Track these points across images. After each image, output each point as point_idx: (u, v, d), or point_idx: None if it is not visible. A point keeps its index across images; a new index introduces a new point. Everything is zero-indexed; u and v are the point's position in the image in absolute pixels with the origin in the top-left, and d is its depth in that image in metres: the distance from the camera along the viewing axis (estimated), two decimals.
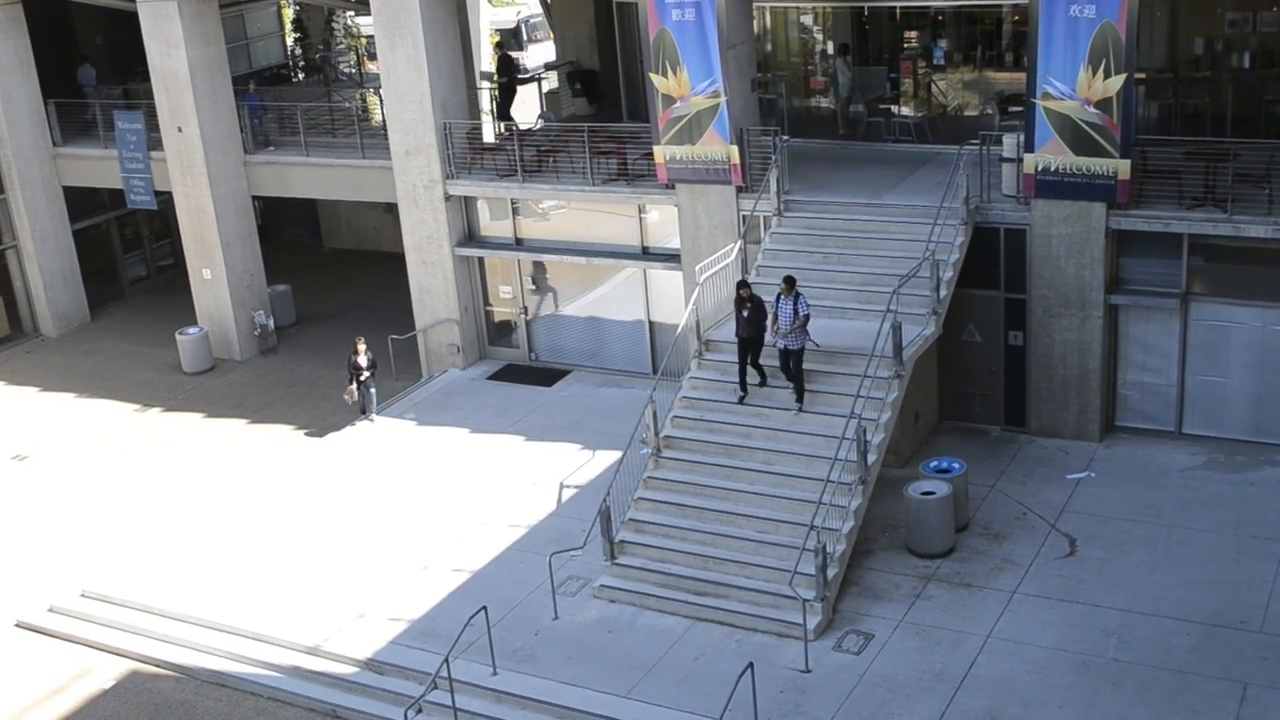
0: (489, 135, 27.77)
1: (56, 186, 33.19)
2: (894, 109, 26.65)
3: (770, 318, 20.02)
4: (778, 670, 17.37)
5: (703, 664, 17.74)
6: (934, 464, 20.34)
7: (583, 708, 17.17)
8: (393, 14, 26.34)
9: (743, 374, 20.46)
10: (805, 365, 19.89)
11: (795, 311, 19.68)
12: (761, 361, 20.44)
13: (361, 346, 25.88)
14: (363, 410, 26.10)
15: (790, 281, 19.89)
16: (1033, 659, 17.21)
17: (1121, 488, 21.01)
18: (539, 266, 27.76)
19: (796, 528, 18.49)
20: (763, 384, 20.52)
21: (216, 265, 30.66)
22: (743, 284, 20.36)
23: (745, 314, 20.09)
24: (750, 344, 20.28)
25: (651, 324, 26.61)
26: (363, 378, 25.79)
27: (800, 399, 20.09)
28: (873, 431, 19.26)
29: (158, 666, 19.69)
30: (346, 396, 25.97)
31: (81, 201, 34.14)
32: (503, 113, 30.29)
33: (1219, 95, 23.99)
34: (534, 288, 27.82)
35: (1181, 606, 17.94)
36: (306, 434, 26.57)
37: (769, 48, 28.07)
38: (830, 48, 27.61)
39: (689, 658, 17.91)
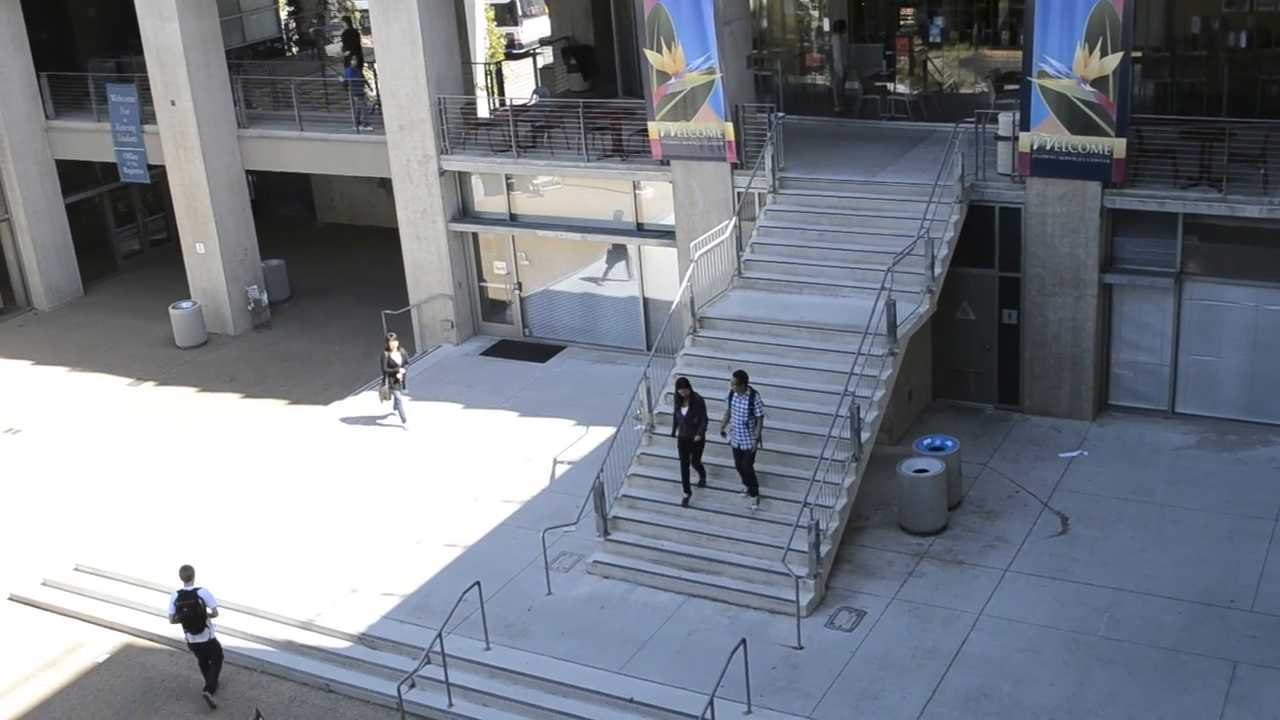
0: (484, 110, 27.67)
1: (49, 159, 33.02)
2: (890, 86, 26.60)
3: (724, 416, 18.88)
4: (770, 646, 17.41)
5: (695, 640, 17.78)
6: (927, 442, 20.33)
7: (575, 683, 17.20)
8: None
9: (685, 474, 19.39)
10: (798, 347, 19.79)
11: (751, 410, 18.54)
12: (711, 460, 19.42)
13: (394, 343, 24.68)
14: (396, 407, 24.91)
15: (742, 378, 18.72)
16: (1024, 637, 17.27)
17: (1114, 466, 21.05)
18: (618, 248, 26.78)
19: (789, 504, 18.51)
20: (702, 483, 19.49)
21: (210, 239, 30.56)
22: (682, 383, 19.10)
23: (684, 413, 18.97)
24: (689, 444, 19.20)
25: (646, 300, 26.58)
26: (398, 375, 24.57)
27: (754, 494, 19.06)
28: (866, 409, 19.25)
29: (151, 640, 19.71)
30: (380, 396, 25.05)
31: (74, 175, 34.01)
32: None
33: (1215, 74, 23.94)
34: (606, 265, 26.98)
35: (1173, 585, 17.99)
36: (300, 409, 26.52)
37: (765, 24, 27.99)
38: (826, 24, 27.54)
39: (682, 634, 17.95)
